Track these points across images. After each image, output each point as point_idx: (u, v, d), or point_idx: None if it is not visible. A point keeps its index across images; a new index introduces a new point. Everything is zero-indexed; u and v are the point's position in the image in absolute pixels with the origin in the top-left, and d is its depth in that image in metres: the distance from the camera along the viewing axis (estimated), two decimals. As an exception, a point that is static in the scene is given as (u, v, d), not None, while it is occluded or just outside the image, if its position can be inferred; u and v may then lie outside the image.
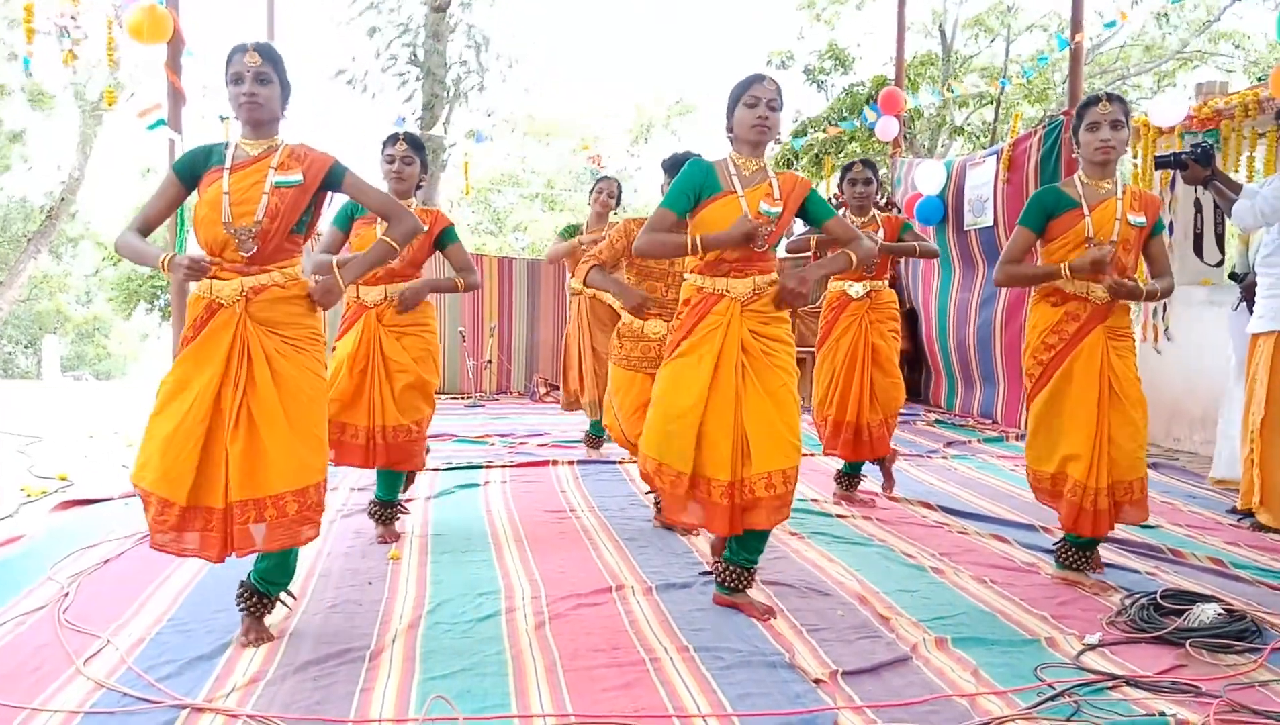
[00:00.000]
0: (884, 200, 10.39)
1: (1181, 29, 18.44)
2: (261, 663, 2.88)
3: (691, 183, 3.28)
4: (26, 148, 22.84)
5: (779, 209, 3.28)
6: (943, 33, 18.73)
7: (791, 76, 18.52)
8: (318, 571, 3.84)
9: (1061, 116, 7.52)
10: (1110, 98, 3.53)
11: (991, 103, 17.25)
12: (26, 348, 25.48)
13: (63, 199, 20.25)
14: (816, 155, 15.88)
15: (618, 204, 6.28)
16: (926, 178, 9.17)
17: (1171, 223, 7.21)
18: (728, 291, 3.26)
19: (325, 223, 4.11)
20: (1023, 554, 4.13)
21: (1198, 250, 5.34)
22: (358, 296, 4.19)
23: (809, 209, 3.37)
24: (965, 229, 8.79)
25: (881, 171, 15.50)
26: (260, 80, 2.92)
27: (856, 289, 5.05)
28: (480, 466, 6.10)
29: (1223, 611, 3.13)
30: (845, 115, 15.16)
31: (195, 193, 2.98)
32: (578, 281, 4.49)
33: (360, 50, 16.14)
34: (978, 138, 17.94)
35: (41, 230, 20.59)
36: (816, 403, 5.13)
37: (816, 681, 2.76)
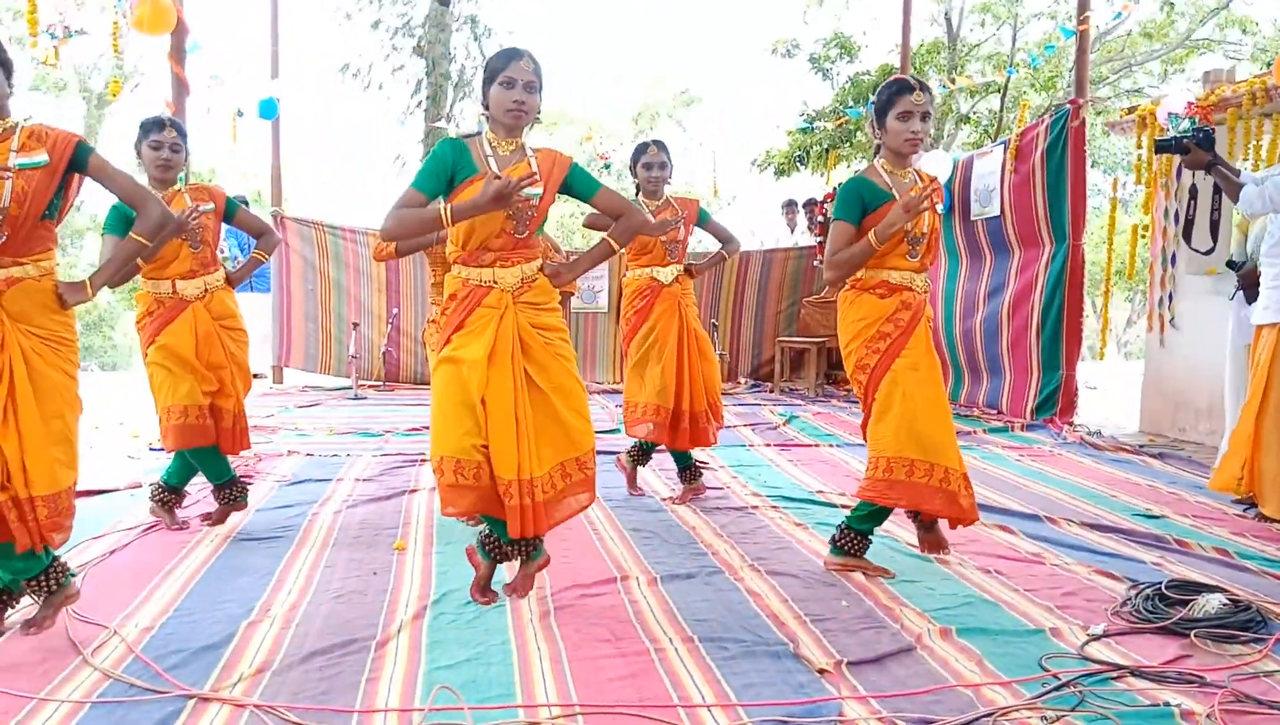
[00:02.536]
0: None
1: (1189, 15, 18.32)
2: (268, 652, 2.89)
3: (442, 163, 3.04)
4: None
5: (539, 190, 3.10)
6: (948, 20, 18.64)
7: (797, 65, 18.46)
8: (323, 562, 3.86)
9: (1068, 105, 7.49)
10: (922, 86, 3.41)
11: (998, 91, 17.16)
12: (33, 339, 25.56)
13: (68, 190, 20.25)
14: (825, 147, 15.82)
15: None
16: (931, 167, 9.14)
17: (1177, 211, 7.18)
18: (495, 282, 3.10)
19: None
20: (1028, 544, 4.13)
21: (1186, 236, 5.31)
22: (174, 291, 4.05)
23: (573, 186, 3.20)
24: (972, 219, 8.76)
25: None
26: None
27: (665, 274, 4.85)
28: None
29: (1228, 602, 3.13)
30: (851, 104, 15.10)
31: None
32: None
33: (364, 44, 16.09)
34: (984, 127, 17.86)
35: (45, 222, 20.58)
36: (646, 395, 4.86)
37: (821, 671, 2.76)
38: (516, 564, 3.31)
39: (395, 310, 10.29)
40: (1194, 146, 4.39)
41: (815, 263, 10.73)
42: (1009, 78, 16.19)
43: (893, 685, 2.69)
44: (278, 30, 10.45)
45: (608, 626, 3.13)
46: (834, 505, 4.91)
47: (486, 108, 3.13)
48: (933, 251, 3.60)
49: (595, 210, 3.41)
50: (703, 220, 4.99)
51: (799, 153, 16.39)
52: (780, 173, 16.82)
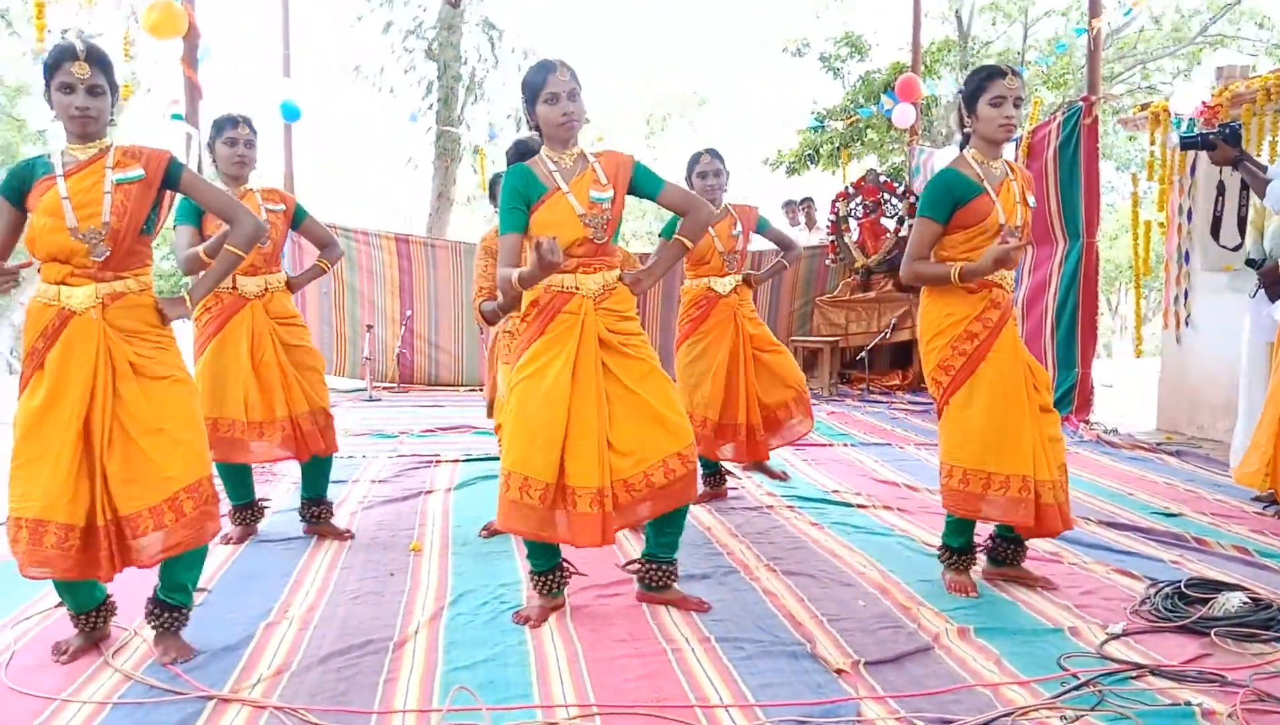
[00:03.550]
0: (902, 190, 10.33)
1: (1203, 11, 18.23)
2: (286, 654, 2.90)
3: (516, 195, 3.08)
4: (49, 147, 23.02)
5: (610, 193, 3.11)
6: (959, 18, 18.59)
7: (807, 64, 18.43)
8: (340, 564, 3.87)
9: (1080, 103, 7.46)
10: (1014, 72, 3.31)
11: (1010, 88, 17.07)
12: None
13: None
14: (836, 146, 15.79)
15: None
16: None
17: (1191, 209, 7.15)
18: (577, 288, 3.11)
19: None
20: (1045, 543, 4.10)
21: (1214, 233, 5.29)
22: (234, 286, 4.01)
23: (639, 185, 3.19)
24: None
25: (899, 160, 15.47)
26: (92, 92, 2.78)
27: (723, 285, 4.78)
28: (500, 458, 6.11)
29: (1248, 600, 3.11)
30: (862, 103, 15.06)
31: (28, 210, 2.81)
32: (480, 323, 4.26)
33: (374, 46, 16.10)
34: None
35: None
36: (691, 403, 4.74)
37: (838, 671, 2.76)
38: (536, 596, 3.30)
39: (409, 312, 10.31)
40: (1220, 142, 4.35)
41: (827, 262, 10.71)
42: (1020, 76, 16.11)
43: (910, 685, 2.68)
44: (289, 33, 10.49)
45: (624, 627, 3.14)
46: (849, 505, 4.90)
47: (536, 128, 3.15)
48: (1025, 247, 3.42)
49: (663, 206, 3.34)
50: (762, 227, 4.93)
51: (809, 151, 16.35)
52: (791, 171, 16.79)
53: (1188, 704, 2.51)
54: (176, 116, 7.35)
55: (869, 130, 15.87)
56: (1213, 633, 2.96)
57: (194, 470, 2.86)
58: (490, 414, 4.63)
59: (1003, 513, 3.33)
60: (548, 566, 3.26)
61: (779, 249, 5.14)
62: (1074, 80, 17.00)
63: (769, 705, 2.55)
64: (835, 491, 5.22)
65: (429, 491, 5.20)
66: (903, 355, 10.20)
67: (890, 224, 10.38)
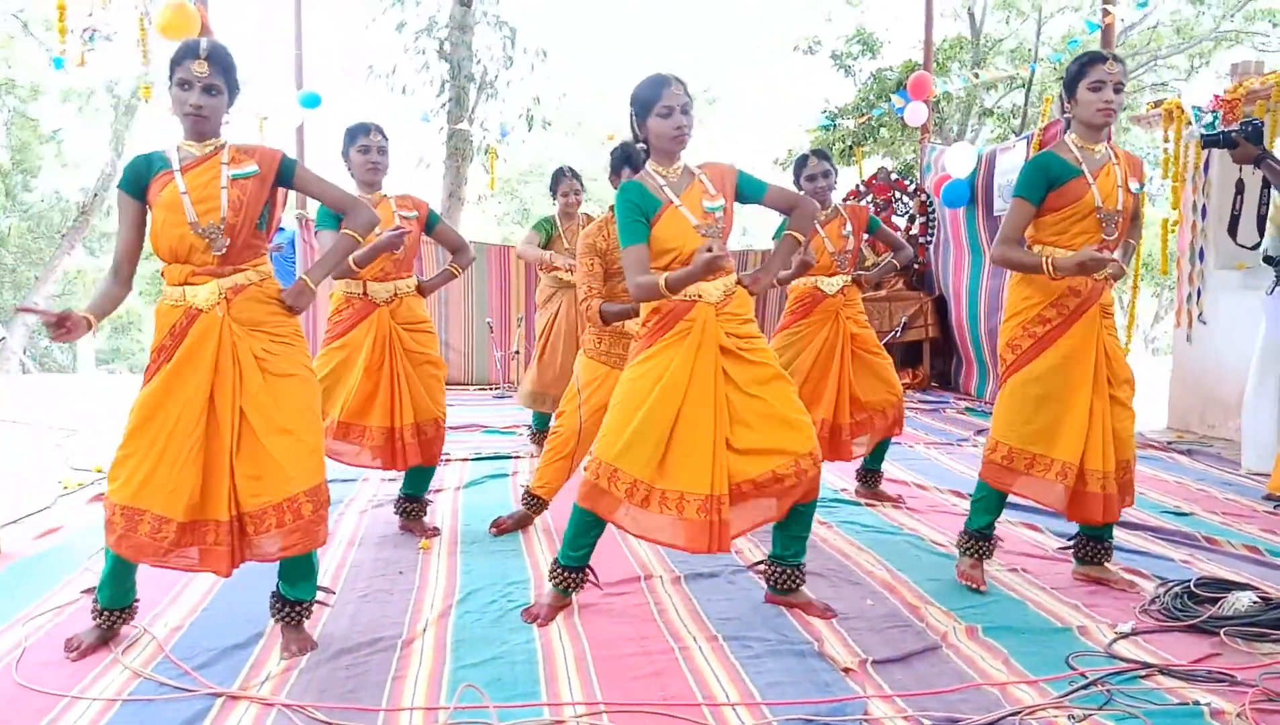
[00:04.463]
0: (913, 188, 10.31)
1: (1216, 7, 18.11)
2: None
3: (634, 209, 3.09)
4: (63, 146, 23.22)
5: (720, 202, 3.14)
6: (972, 15, 18.53)
7: (819, 62, 18.39)
8: (349, 562, 3.88)
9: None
10: (1115, 58, 3.33)
11: (1023, 85, 17.04)
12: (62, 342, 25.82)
13: (96, 195, 20.49)
14: (848, 145, 15.75)
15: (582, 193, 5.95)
16: (957, 161, 9.09)
17: (1205, 206, 7.11)
18: (700, 296, 3.11)
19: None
20: (1054, 542, 4.10)
21: (1232, 231, 5.27)
22: (364, 292, 4.08)
23: (743, 191, 3.23)
24: (995, 214, 8.71)
25: (910, 157, 15.42)
26: (208, 91, 2.82)
27: (830, 285, 4.76)
28: (509, 457, 6.13)
29: (1258, 599, 3.09)
30: (874, 101, 15.02)
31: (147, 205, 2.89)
32: (595, 323, 4.05)
33: (385, 46, 16.15)
34: (1008, 120, 17.74)
35: (75, 226, 20.86)
36: None
37: (846, 670, 2.76)
38: (545, 593, 3.32)
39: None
40: (1242, 140, 4.33)
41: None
42: (1033, 72, 16.07)
43: (918, 684, 2.68)
44: (301, 33, 10.52)
45: (632, 625, 3.15)
46: (858, 503, 4.89)
47: (644, 141, 3.17)
48: (1123, 233, 3.41)
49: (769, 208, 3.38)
50: (872, 228, 4.91)
51: (821, 150, 16.31)
52: (802, 170, 16.75)
53: (1196, 703, 2.50)
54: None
55: (881, 128, 15.82)
56: (1222, 632, 2.95)
57: (314, 474, 2.89)
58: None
59: (1035, 492, 3.40)
60: (577, 564, 3.26)
61: (892, 249, 5.06)
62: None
63: (776, 704, 2.55)
64: (844, 490, 5.21)
65: (438, 490, 5.21)
66: (913, 354, 10.18)
67: (901, 222, 10.36)
